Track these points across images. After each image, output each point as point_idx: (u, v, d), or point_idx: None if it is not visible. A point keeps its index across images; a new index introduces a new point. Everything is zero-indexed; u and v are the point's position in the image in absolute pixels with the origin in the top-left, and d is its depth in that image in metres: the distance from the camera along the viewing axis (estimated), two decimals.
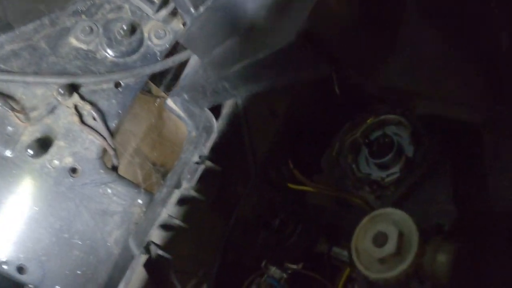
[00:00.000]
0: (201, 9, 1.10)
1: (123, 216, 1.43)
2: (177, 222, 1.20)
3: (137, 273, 1.22)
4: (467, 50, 0.89)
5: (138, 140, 1.86)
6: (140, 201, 1.43)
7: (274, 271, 1.17)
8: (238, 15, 1.00)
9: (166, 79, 1.83)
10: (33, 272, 1.38)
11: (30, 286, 1.39)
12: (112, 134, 1.43)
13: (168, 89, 1.80)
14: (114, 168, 1.48)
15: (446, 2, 0.94)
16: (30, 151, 1.37)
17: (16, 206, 1.38)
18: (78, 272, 1.42)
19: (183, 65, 1.45)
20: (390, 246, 0.87)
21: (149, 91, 1.92)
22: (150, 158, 1.87)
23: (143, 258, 1.18)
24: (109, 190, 1.43)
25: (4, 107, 1.36)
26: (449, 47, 0.90)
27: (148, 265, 1.19)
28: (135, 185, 1.45)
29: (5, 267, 1.36)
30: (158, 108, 1.88)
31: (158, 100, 1.92)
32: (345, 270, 1.14)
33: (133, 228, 1.43)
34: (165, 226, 1.24)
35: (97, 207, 1.43)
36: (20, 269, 1.37)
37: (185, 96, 1.19)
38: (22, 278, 1.37)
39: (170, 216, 1.19)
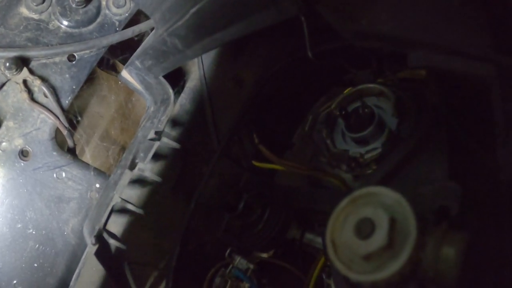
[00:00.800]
0: None
1: (80, 203, 1.31)
2: (131, 206, 1.07)
3: (88, 265, 1.10)
4: None
5: (106, 123, 1.73)
6: (98, 185, 1.30)
7: (239, 261, 1.04)
8: None
9: None
10: None
11: None
12: (65, 111, 1.29)
13: None
14: (70, 150, 1.34)
15: None
16: None
17: None
18: (35, 265, 1.31)
19: None
20: (379, 238, 0.64)
21: (118, 72, 1.78)
22: (119, 142, 1.73)
23: (93, 248, 1.06)
24: (63, 174, 1.30)
25: None
26: None
27: (100, 256, 1.07)
28: (92, 168, 1.32)
29: None
30: (126, 89, 1.74)
31: None
32: (319, 258, 1.01)
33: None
34: (119, 212, 1.11)
35: (52, 193, 1.30)
36: None
37: (137, 63, 1.05)
38: None
39: (123, 200, 1.06)
